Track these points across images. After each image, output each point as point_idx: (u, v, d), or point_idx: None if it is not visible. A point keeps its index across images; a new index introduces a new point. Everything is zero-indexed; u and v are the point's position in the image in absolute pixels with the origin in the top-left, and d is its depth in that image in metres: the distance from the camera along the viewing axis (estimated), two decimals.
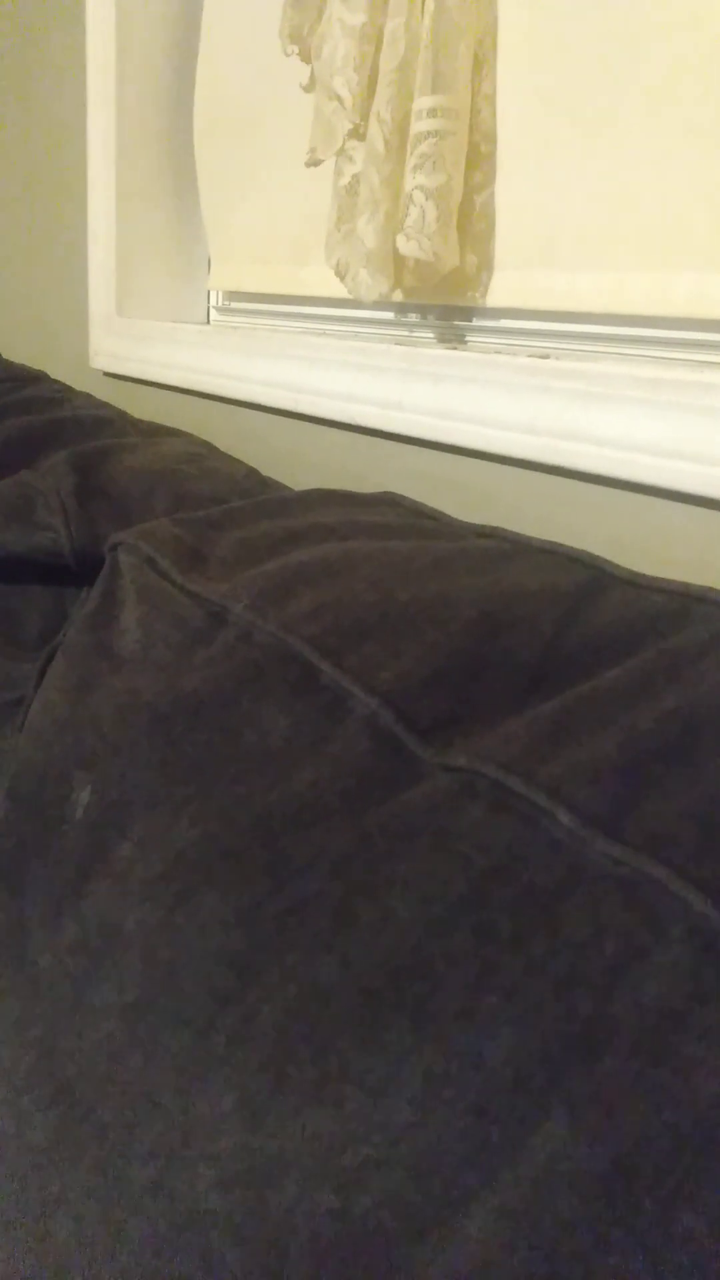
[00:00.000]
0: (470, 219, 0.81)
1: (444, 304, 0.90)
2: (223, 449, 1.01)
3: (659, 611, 0.51)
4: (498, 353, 0.78)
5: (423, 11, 0.74)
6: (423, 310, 0.94)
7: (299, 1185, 0.35)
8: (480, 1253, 0.31)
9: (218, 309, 1.32)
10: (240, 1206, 0.36)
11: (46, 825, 0.53)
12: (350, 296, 0.84)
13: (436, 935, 0.37)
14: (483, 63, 0.77)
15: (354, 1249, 0.33)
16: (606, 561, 0.58)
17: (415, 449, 0.85)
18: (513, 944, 0.36)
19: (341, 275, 0.86)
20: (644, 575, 0.56)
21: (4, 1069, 0.45)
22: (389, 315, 0.98)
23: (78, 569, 0.74)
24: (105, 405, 1.17)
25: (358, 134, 0.80)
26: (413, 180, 0.76)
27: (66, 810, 0.52)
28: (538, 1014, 0.34)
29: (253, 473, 0.91)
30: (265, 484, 0.88)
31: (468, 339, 0.90)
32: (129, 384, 1.33)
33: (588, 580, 0.55)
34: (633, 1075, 0.32)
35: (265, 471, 0.94)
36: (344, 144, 0.81)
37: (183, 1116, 0.38)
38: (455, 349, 0.83)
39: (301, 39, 0.86)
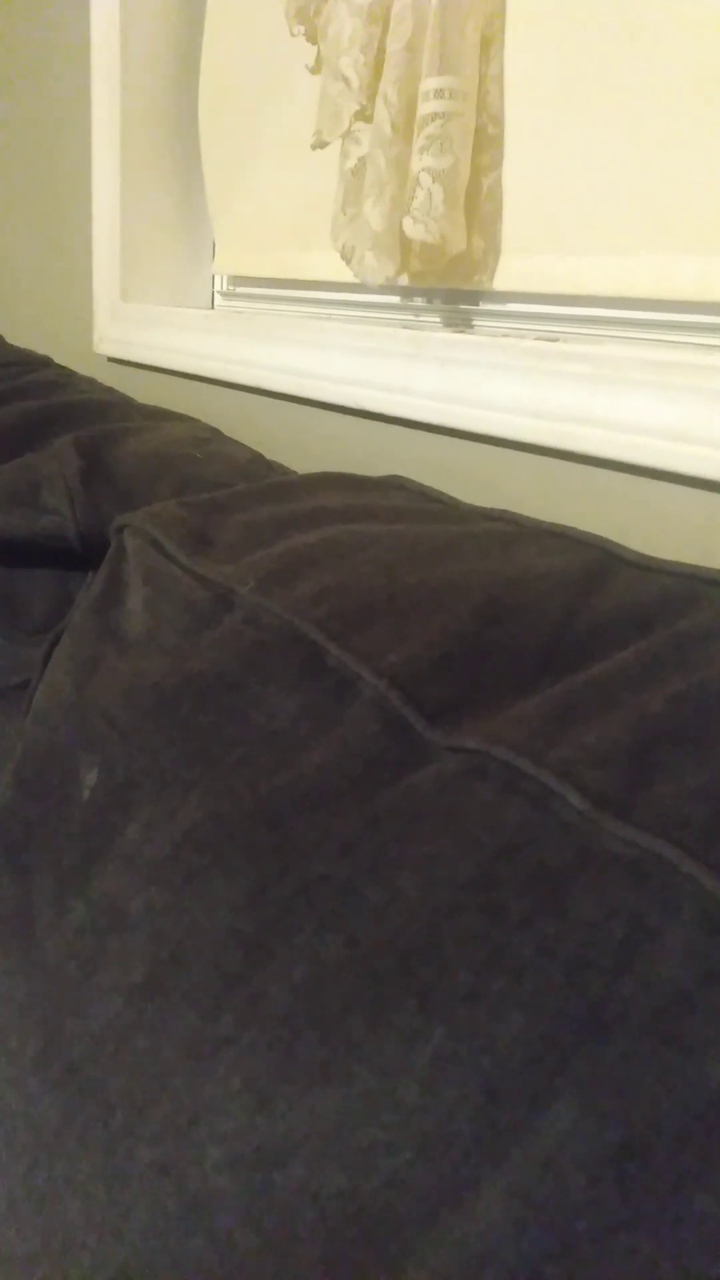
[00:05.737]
0: (477, 202, 0.80)
1: (450, 287, 0.89)
2: (228, 434, 1.00)
3: (667, 594, 0.51)
4: (504, 336, 0.78)
5: None
6: (429, 294, 0.93)
7: (307, 1166, 0.35)
8: (489, 1234, 0.31)
9: (222, 294, 1.32)
10: (248, 1187, 0.36)
11: (53, 807, 0.53)
12: (356, 280, 0.83)
13: (445, 916, 0.37)
14: (490, 44, 0.77)
15: (362, 1230, 0.33)
16: (615, 544, 0.57)
17: (421, 433, 0.85)
18: (522, 925, 0.35)
19: (347, 259, 0.85)
20: (652, 558, 0.55)
21: (12, 1050, 0.45)
22: (395, 299, 0.98)
23: (83, 552, 0.74)
24: (110, 390, 1.17)
25: (364, 116, 0.79)
26: (419, 162, 0.75)
27: (73, 792, 0.52)
28: (547, 995, 0.34)
29: (258, 457, 0.90)
30: (271, 468, 0.88)
31: (474, 323, 0.89)
32: (133, 369, 1.32)
33: (596, 563, 0.54)
34: (643, 1056, 0.31)
35: (270, 457, 0.93)
36: (350, 126, 0.81)
37: (190, 1097, 0.38)
38: (462, 333, 0.83)
39: (308, 19, 0.85)
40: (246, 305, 1.26)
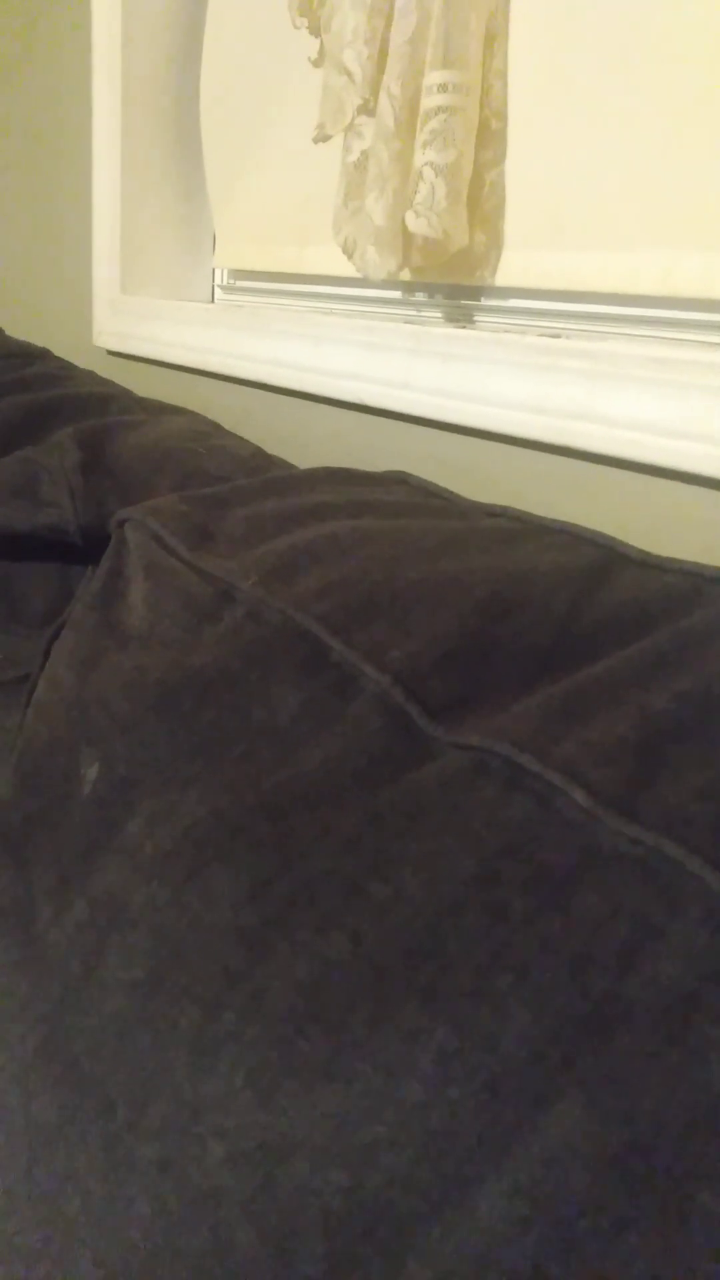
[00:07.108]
0: (480, 197, 0.80)
1: (452, 283, 0.89)
2: (228, 428, 1.00)
3: (671, 592, 0.50)
4: (506, 332, 0.77)
5: None
6: (431, 289, 0.93)
7: (310, 1163, 0.35)
8: (492, 1232, 0.31)
9: (223, 287, 1.31)
10: (250, 1184, 0.35)
11: (54, 802, 0.52)
12: (358, 275, 0.83)
13: (449, 914, 0.37)
14: (494, 38, 0.76)
15: (365, 1227, 0.33)
16: (618, 541, 0.57)
17: (422, 429, 0.84)
18: (526, 923, 0.35)
19: (349, 253, 0.85)
20: (655, 555, 0.55)
21: (12, 1046, 0.45)
22: (397, 294, 0.98)
23: (83, 546, 0.73)
24: (109, 383, 1.16)
25: (367, 109, 0.79)
26: (422, 157, 0.75)
27: (74, 787, 0.52)
28: (551, 993, 0.34)
29: (259, 451, 0.90)
30: (272, 463, 0.88)
31: (476, 318, 0.89)
32: (133, 362, 1.32)
33: (599, 560, 0.54)
34: (647, 1055, 0.31)
35: (271, 451, 0.93)
36: (353, 119, 0.80)
37: (192, 1093, 0.38)
38: (463, 328, 0.83)
39: (311, 12, 0.85)
40: (247, 299, 1.26)
